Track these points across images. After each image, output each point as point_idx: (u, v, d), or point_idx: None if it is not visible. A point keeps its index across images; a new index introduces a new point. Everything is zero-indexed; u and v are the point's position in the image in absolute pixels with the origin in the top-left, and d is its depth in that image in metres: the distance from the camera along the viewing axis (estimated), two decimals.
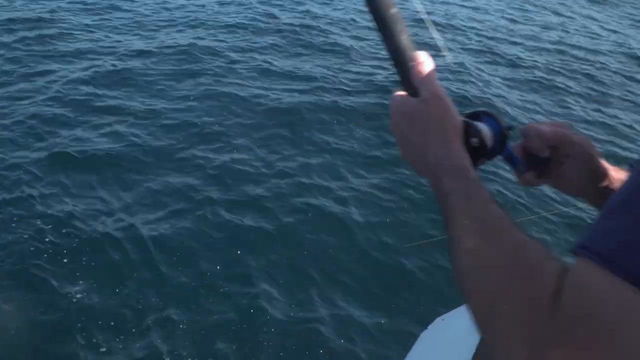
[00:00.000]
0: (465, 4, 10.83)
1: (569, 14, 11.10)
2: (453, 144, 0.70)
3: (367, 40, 8.06)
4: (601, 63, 8.58)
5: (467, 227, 0.61)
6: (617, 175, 0.87)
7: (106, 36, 7.33)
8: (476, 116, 0.81)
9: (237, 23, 8.24)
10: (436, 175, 0.69)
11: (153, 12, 8.43)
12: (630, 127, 6.59)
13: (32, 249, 3.68)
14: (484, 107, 0.84)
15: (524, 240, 0.57)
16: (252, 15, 8.67)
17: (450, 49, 7.88)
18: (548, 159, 0.86)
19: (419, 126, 0.72)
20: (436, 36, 0.88)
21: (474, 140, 0.75)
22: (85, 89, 5.87)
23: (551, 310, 0.49)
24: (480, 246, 0.58)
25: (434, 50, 0.85)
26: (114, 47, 6.96)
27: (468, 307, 0.57)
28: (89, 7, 8.29)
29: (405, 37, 0.78)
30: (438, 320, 1.76)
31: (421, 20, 0.90)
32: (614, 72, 8.32)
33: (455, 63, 7.40)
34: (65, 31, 7.28)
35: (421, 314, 3.42)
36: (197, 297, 3.51)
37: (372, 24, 0.82)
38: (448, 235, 0.64)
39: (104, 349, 3.11)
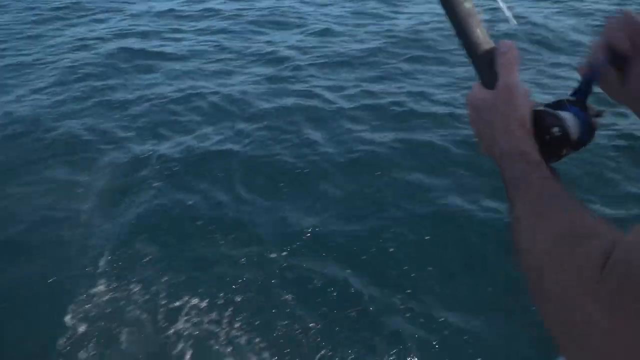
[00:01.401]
0: None
1: None
2: (515, 133, 0.70)
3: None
4: None
5: (524, 209, 0.63)
6: None
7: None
8: (560, 104, 0.75)
9: None
10: (501, 163, 0.71)
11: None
12: None
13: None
14: (570, 96, 0.78)
15: (574, 218, 0.58)
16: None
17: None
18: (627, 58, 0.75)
19: (485, 117, 0.73)
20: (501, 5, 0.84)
21: (555, 130, 0.71)
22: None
23: (597, 283, 0.49)
24: (535, 226, 0.60)
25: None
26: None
27: (530, 285, 0.59)
28: None
29: (480, 30, 0.78)
30: None
31: None
32: None
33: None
34: None
35: None
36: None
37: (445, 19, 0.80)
38: (511, 218, 0.66)
39: None
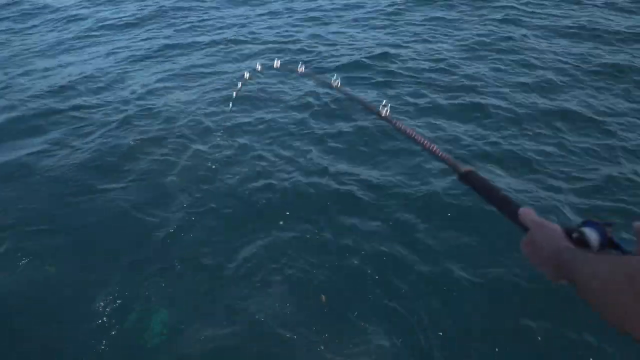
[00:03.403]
0: None
1: None
2: (555, 239, 1.10)
3: None
4: None
5: (580, 271, 0.98)
6: None
7: None
8: (584, 222, 1.13)
9: None
10: (554, 261, 1.07)
11: None
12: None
13: None
14: (595, 219, 1.14)
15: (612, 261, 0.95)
16: None
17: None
18: None
19: (534, 246, 1.14)
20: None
21: (575, 234, 1.09)
22: None
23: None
24: (589, 277, 0.95)
25: None
26: None
27: (600, 308, 0.91)
28: None
29: (508, 201, 1.27)
30: None
31: None
32: None
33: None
34: None
35: None
36: None
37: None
38: (575, 283, 1.00)
39: None
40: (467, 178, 1.36)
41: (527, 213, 1.18)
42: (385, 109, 1.82)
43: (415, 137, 1.60)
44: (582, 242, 1.06)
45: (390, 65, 7.61)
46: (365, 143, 5.64)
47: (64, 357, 3.31)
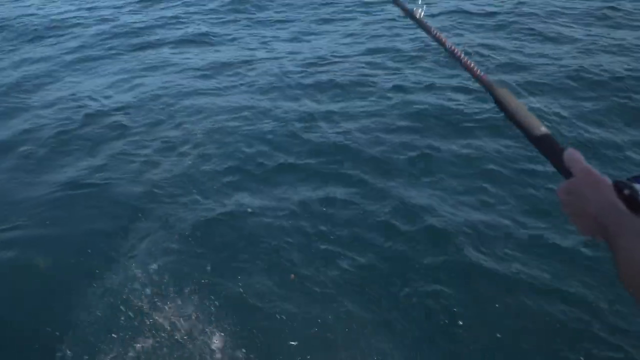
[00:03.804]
0: None
1: None
2: (604, 193, 0.94)
3: None
4: None
5: (626, 239, 0.86)
6: None
7: None
8: (635, 177, 0.99)
9: None
10: (600, 217, 0.92)
11: None
12: None
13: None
14: None
15: None
16: None
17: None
18: None
19: (576, 195, 0.98)
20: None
21: (626, 191, 0.95)
22: None
23: None
24: (636, 250, 0.83)
25: None
26: None
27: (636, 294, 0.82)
28: None
29: (554, 143, 1.11)
30: None
31: None
32: None
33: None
34: None
35: None
36: None
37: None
38: (615, 250, 0.88)
39: None
40: (503, 102, 1.20)
41: (574, 156, 1.03)
42: (421, 9, 1.60)
43: (452, 49, 1.44)
44: (631, 200, 0.93)
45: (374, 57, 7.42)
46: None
47: (58, 354, 3.23)
